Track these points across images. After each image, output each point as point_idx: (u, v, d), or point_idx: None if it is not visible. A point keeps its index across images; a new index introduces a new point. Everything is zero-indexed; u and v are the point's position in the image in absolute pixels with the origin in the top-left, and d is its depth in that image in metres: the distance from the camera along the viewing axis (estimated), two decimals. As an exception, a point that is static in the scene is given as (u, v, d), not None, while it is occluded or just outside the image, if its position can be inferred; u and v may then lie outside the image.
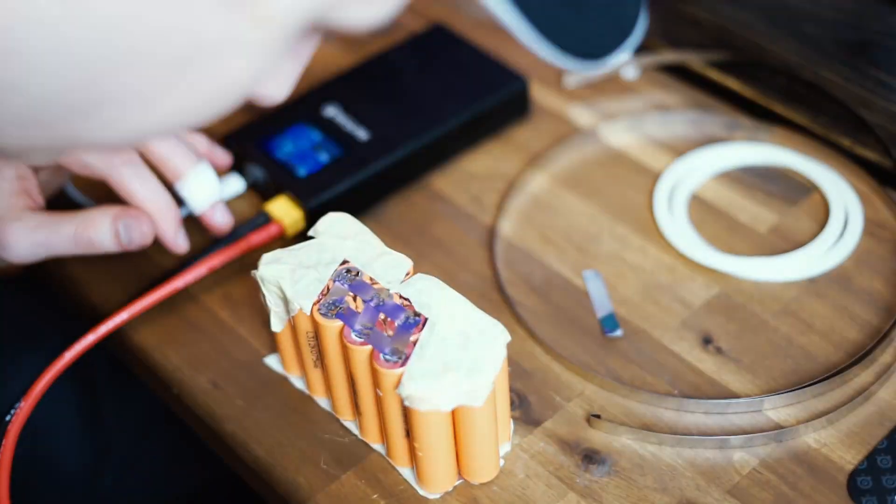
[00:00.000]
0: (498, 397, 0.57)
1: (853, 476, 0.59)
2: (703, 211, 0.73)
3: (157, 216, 0.66)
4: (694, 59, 0.81)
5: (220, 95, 0.38)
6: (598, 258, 0.71)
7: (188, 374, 0.67)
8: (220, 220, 0.71)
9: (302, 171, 0.73)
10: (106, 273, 0.72)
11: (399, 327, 0.56)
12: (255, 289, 0.61)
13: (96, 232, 0.64)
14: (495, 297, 0.69)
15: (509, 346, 0.57)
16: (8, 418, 0.59)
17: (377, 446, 0.62)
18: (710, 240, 0.71)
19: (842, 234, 0.71)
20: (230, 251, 0.69)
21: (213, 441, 0.66)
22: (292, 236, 0.72)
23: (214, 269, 0.68)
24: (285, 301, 0.60)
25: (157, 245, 0.70)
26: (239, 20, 0.36)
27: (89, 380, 0.78)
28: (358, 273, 0.59)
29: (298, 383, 0.65)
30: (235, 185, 0.76)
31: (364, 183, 0.73)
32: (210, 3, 0.35)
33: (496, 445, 0.59)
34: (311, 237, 0.62)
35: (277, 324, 0.62)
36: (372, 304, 0.58)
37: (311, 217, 0.70)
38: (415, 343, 0.56)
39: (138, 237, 0.65)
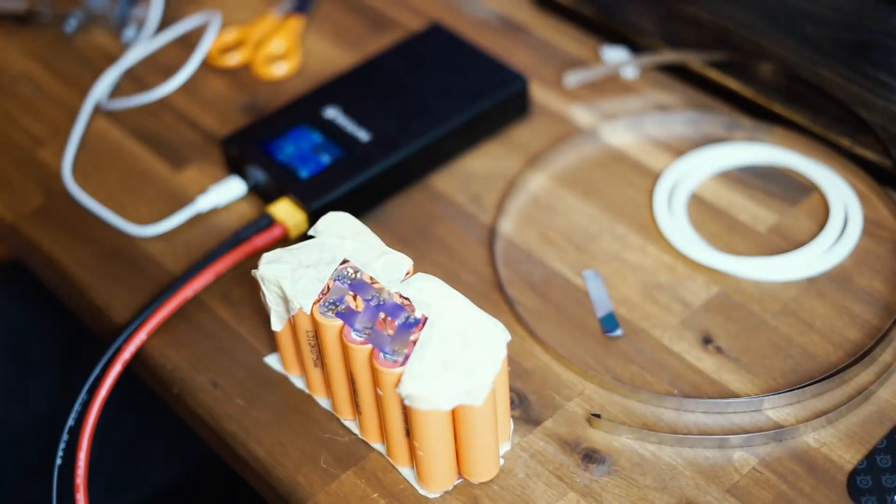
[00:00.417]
0: (498, 397, 0.57)
1: (853, 476, 0.59)
2: (702, 211, 0.73)
3: None
4: (694, 59, 0.81)
5: None
6: (598, 258, 0.71)
7: (188, 373, 0.67)
8: None
9: (304, 173, 0.73)
10: (112, 279, 0.72)
11: (399, 327, 0.57)
12: (255, 288, 0.61)
13: None
14: (495, 297, 0.69)
15: (509, 346, 0.57)
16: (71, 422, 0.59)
17: (377, 446, 0.62)
18: (709, 240, 0.71)
19: (841, 234, 0.71)
20: (235, 255, 0.69)
21: (214, 440, 0.66)
22: (296, 238, 0.72)
23: (221, 273, 0.68)
24: (285, 300, 0.60)
25: (161, 246, 0.70)
26: None
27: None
28: (358, 272, 0.59)
29: (298, 383, 0.65)
30: (237, 187, 0.76)
31: (366, 184, 0.73)
32: None
33: (496, 445, 0.59)
34: (312, 237, 0.62)
35: (277, 323, 0.62)
36: (372, 303, 0.58)
37: (314, 219, 0.70)
38: (415, 342, 0.56)
39: None
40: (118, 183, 0.78)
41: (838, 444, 0.60)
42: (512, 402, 0.63)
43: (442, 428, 0.56)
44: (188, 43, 0.86)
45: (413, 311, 0.57)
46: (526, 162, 0.77)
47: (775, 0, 0.83)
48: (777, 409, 0.62)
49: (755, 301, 0.68)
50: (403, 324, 0.57)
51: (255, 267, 0.61)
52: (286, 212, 0.72)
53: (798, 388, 0.62)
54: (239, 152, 0.76)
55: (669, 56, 0.82)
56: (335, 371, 0.60)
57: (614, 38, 0.85)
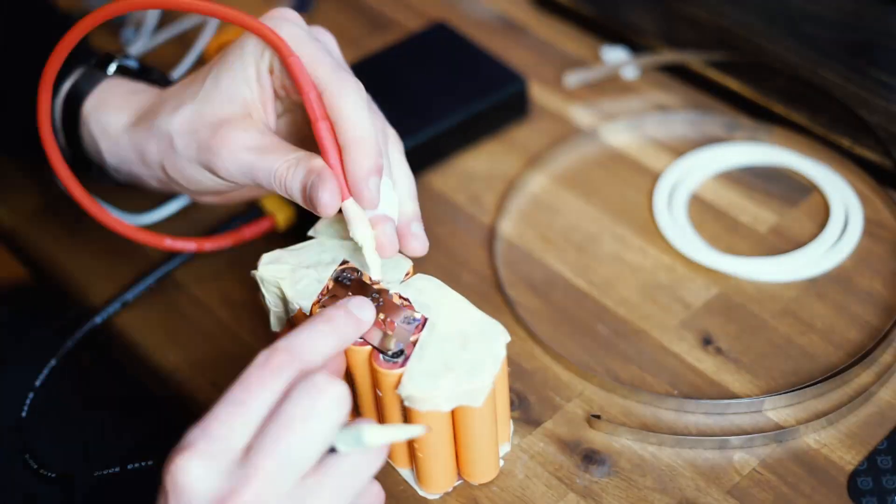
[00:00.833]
0: (498, 397, 0.57)
1: (853, 476, 0.59)
2: (703, 211, 0.73)
3: (357, 147, 0.56)
4: (694, 59, 0.81)
5: None
6: (598, 258, 0.71)
7: (188, 374, 0.67)
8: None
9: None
10: (101, 268, 0.72)
11: (399, 327, 0.56)
12: (254, 289, 0.61)
13: (291, 179, 0.57)
14: (495, 297, 0.69)
15: (509, 346, 0.56)
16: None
17: (377, 446, 0.62)
18: (709, 240, 0.71)
19: (842, 235, 0.71)
20: (222, 240, 0.69)
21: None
22: (284, 230, 0.72)
23: (203, 251, 0.68)
24: (285, 301, 0.59)
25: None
26: None
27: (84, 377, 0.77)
28: (358, 273, 0.59)
29: (298, 383, 0.65)
30: None
31: (364, 183, 0.73)
32: None
33: (496, 446, 0.59)
34: (311, 237, 0.62)
35: (277, 324, 0.62)
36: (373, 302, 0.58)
37: (304, 212, 0.70)
38: (415, 343, 0.56)
39: (321, 201, 0.56)
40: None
41: (839, 445, 0.60)
42: (512, 403, 0.63)
43: (442, 429, 0.56)
44: (186, 41, 0.86)
45: (413, 311, 0.57)
46: (526, 162, 0.77)
47: (776, 0, 0.83)
48: (777, 410, 0.62)
49: (755, 302, 0.68)
50: (403, 324, 0.56)
51: (254, 267, 0.61)
52: (276, 203, 0.72)
53: (798, 389, 0.62)
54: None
55: (669, 56, 0.82)
56: (335, 372, 0.60)
57: (614, 38, 0.85)
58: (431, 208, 0.75)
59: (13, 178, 0.80)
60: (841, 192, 0.73)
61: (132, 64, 0.67)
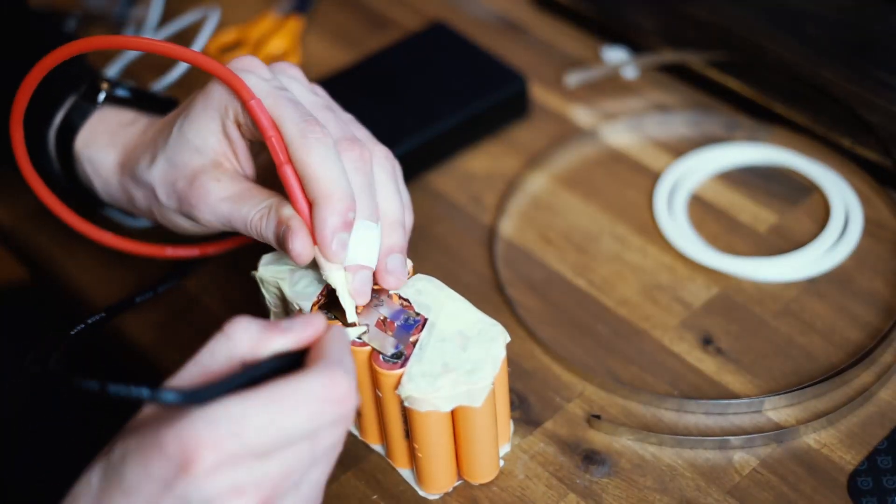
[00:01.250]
0: (498, 398, 0.57)
1: (853, 476, 0.59)
2: (702, 211, 0.73)
3: (323, 205, 0.55)
4: (694, 59, 0.81)
5: None
6: (598, 258, 0.71)
7: (188, 374, 0.67)
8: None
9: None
10: (101, 268, 0.72)
11: (399, 328, 0.56)
12: (254, 290, 0.61)
13: (265, 229, 0.58)
14: (495, 297, 0.69)
15: (509, 347, 0.56)
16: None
17: (377, 447, 0.62)
18: (710, 240, 0.71)
19: (842, 234, 0.71)
20: (224, 243, 0.69)
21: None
22: None
23: (207, 254, 0.68)
24: (284, 302, 0.59)
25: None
26: None
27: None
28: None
29: (298, 384, 0.65)
30: None
31: (364, 183, 0.73)
32: None
33: (496, 446, 0.59)
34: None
35: (277, 324, 0.62)
36: (371, 304, 0.58)
37: None
38: (414, 344, 0.56)
39: (293, 252, 0.56)
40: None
41: (839, 445, 0.60)
42: (512, 404, 0.63)
43: (441, 429, 0.56)
44: (186, 40, 0.86)
45: (413, 312, 0.57)
46: (526, 162, 0.77)
47: (776, 0, 0.83)
48: (777, 410, 0.62)
49: (755, 302, 0.68)
50: (403, 325, 0.56)
51: (254, 268, 0.61)
52: None
53: (798, 389, 0.62)
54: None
55: (670, 56, 0.82)
56: (335, 372, 0.60)
57: (614, 38, 0.85)
58: (431, 208, 0.75)
59: (13, 178, 0.80)
60: (841, 192, 0.73)
61: (122, 94, 0.66)
